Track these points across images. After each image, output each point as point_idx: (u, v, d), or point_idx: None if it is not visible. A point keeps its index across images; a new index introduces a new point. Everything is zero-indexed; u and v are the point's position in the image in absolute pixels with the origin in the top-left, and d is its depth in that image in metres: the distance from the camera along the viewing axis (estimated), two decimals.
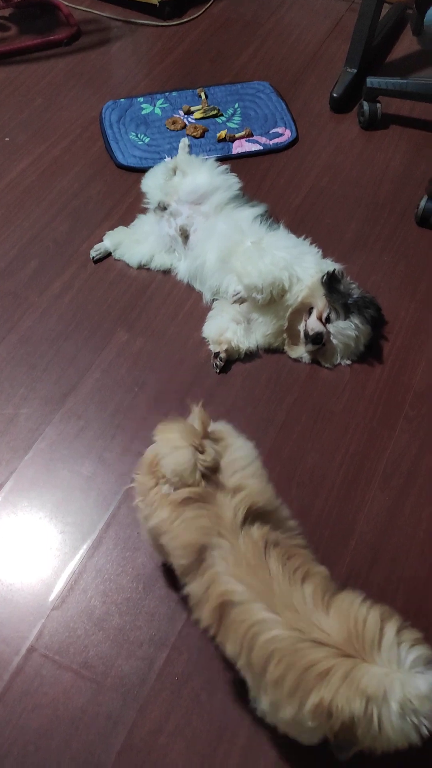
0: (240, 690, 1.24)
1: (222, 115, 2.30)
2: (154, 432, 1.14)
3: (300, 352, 1.69)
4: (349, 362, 1.70)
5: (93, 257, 1.89)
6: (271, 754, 1.20)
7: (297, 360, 1.70)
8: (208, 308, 1.78)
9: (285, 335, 1.69)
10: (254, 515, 1.08)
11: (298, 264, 1.66)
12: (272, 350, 1.72)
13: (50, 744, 1.20)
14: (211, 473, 1.09)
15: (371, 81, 2.20)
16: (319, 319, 1.63)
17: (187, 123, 2.26)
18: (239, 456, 1.13)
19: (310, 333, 1.63)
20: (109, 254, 1.90)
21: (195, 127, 2.23)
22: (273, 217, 1.83)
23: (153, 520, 1.13)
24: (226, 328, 1.69)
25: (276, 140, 2.22)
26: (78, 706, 1.24)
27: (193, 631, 1.32)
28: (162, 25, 2.64)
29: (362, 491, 1.50)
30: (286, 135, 2.24)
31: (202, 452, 1.08)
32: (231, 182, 1.84)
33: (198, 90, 2.37)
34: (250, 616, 1.00)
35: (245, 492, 1.08)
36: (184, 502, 1.08)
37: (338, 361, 1.69)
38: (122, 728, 1.22)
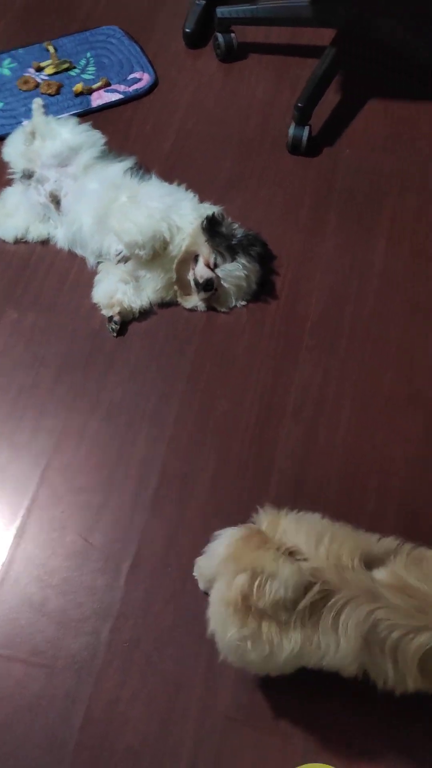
0: (189, 640, 1.27)
1: (75, 67, 2.20)
2: (227, 559, 1.04)
3: (194, 301, 1.68)
4: (244, 303, 1.69)
5: None
6: (229, 698, 1.23)
7: (192, 310, 1.69)
8: (94, 273, 1.73)
9: (176, 287, 1.67)
10: (366, 563, 1.02)
11: (176, 212, 1.63)
12: (166, 304, 1.70)
13: (12, 736, 1.20)
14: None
15: (221, 11, 2.14)
16: (207, 265, 1.62)
17: (39, 81, 2.15)
18: (309, 527, 1.06)
19: (200, 281, 1.61)
20: None
21: (49, 84, 2.13)
22: (144, 167, 1.77)
23: (283, 654, 1.01)
24: (116, 290, 1.66)
25: (135, 86, 2.15)
26: (34, 693, 1.24)
27: (136, 596, 1.33)
28: None
29: (275, 428, 1.52)
30: (145, 79, 2.16)
31: (287, 551, 1.00)
32: (94, 138, 1.77)
33: (45, 44, 2.25)
34: None
35: (346, 554, 1.01)
36: (315, 607, 0.99)
37: (233, 303, 1.69)
38: (80, 705, 1.23)
